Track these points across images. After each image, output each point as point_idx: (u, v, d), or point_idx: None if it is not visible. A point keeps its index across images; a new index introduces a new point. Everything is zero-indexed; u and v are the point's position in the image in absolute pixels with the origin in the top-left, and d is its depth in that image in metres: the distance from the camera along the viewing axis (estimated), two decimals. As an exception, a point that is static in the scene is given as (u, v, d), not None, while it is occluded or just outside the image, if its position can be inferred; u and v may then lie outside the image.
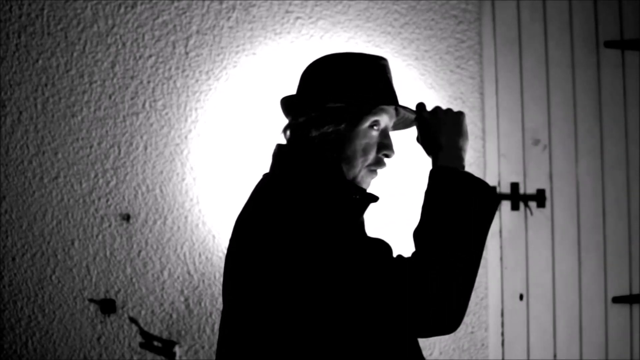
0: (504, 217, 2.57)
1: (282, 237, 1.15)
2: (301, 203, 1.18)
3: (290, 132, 1.35)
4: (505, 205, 2.57)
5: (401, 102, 1.38)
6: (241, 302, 1.21)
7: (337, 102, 1.29)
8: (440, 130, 1.29)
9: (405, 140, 2.39)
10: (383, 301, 1.09)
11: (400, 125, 1.45)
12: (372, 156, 1.32)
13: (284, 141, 1.38)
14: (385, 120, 1.34)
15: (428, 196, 1.23)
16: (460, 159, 1.27)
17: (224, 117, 2.29)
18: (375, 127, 1.32)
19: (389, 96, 1.34)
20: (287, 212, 1.17)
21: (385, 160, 1.35)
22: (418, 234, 1.21)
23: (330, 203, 1.20)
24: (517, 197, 2.56)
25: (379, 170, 1.36)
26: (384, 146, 1.33)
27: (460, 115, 1.32)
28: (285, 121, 1.40)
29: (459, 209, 1.18)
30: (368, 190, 1.35)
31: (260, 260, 1.17)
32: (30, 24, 2.18)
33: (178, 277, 2.24)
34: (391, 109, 1.34)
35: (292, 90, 1.44)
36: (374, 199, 1.32)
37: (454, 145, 1.27)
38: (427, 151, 1.33)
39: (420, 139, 1.36)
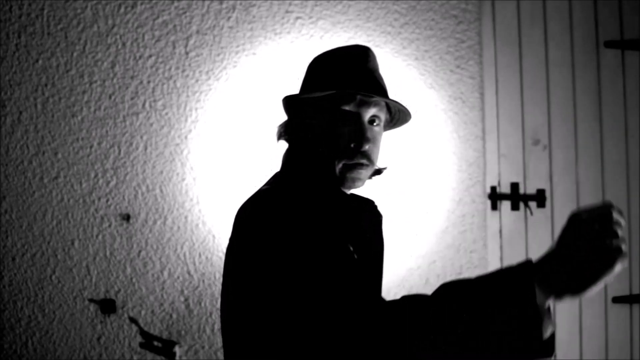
0: (504, 217, 2.57)
1: (273, 235, 1.14)
2: (293, 205, 1.17)
3: (285, 132, 1.36)
4: (505, 205, 2.57)
5: (392, 95, 1.33)
6: (236, 298, 1.22)
7: (305, 95, 1.29)
8: (569, 251, 0.92)
9: (405, 141, 2.39)
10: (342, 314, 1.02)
11: (402, 118, 1.39)
12: (341, 148, 1.23)
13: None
14: (355, 109, 1.25)
15: (495, 277, 0.96)
16: (550, 291, 0.91)
17: (224, 117, 2.28)
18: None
19: (352, 83, 1.25)
20: (279, 213, 1.16)
21: (362, 150, 1.24)
22: (446, 291, 0.99)
23: (320, 206, 1.19)
24: (517, 197, 2.55)
25: (366, 166, 1.26)
26: (351, 137, 1.23)
27: (608, 266, 0.90)
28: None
29: (503, 320, 0.91)
30: (364, 189, 1.33)
31: (252, 257, 1.16)
32: (30, 24, 2.18)
33: (178, 277, 2.24)
34: (368, 98, 1.26)
35: (292, 90, 1.44)
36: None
37: (562, 277, 0.91)
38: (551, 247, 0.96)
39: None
